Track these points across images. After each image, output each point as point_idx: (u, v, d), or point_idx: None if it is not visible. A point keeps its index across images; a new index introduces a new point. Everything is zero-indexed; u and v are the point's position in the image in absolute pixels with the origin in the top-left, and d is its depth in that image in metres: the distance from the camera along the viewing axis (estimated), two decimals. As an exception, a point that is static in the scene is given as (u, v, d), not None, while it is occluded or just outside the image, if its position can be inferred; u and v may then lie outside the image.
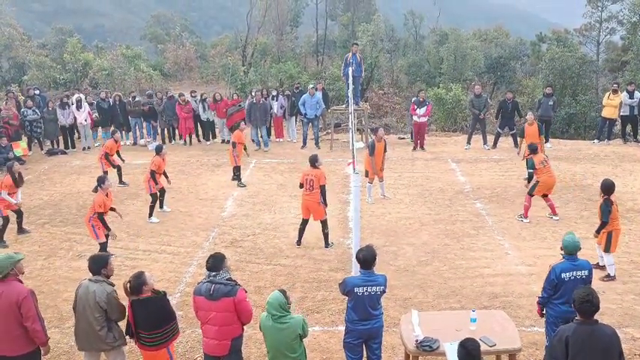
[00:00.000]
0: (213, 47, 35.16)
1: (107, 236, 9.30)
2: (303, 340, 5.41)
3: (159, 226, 10.98)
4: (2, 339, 5.40)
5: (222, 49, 32.12)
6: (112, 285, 5.74)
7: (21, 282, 5.61)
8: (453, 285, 8.44)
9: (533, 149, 10.88)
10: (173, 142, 17.55)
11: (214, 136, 17.80)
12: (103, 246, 9.21)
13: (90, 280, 5.74)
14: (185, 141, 17.37)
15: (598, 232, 8.41)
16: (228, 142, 17.43)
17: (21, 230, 10.76)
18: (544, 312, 6.24)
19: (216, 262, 5.56)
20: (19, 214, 10.76)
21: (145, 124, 17.60)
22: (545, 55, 27.52)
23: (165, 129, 17.49)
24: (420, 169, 14.40)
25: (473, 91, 17.02)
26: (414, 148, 16.22)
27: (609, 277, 8.36)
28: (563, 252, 6.15)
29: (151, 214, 11.31)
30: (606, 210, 8.20)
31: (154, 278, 6.04)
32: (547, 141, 15.71)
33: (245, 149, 13.74)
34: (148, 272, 5.66)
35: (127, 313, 5.57)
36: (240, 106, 17.15)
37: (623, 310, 7.59)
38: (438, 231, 10.44)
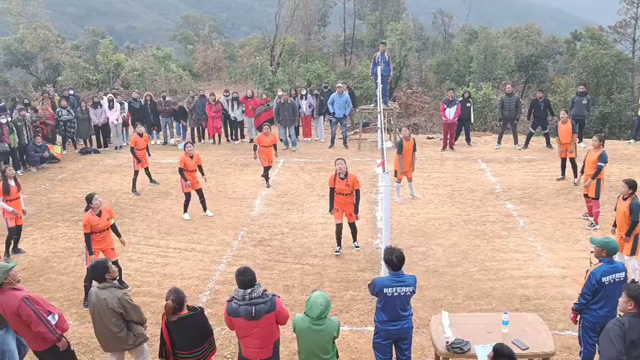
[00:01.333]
0: (242, 47, 35.41)
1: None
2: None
3: (189, 225, 11.11)
4: (26, 338, 5.75)
5: (251, 50, 32.32)
6: (121, 287, 5.79)
7: (18, 289, 5.59)
8: (484, 287, 8.32)
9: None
10: (202, 141, 17.74)
11: (242, 136, 17.93)
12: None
13: (98, 287, 5.76)
14: (214, 140, 17.54)
15: (629, 234, 7.89)
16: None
17: (16, 250, 9.90)
18: (579, 319, 6.08)
19: (250, 278, 5.30)
20: (19, 231, 9.91)
21: (175, 124, 17.84)
22: (579, 53, 26.97)
23: (195, 128, 17.70)
24: (450, 169, 14.24)
25: (504, 89, 16.74)
26: (444, 148, 16.05)
27: (634, 283, 8.06)
28: (595, 255, 5.95)
29: (185, 210, 11.45)
30: (637, 207, 7.78)
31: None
32: (580, 141, 15.36)
33: (275, 149, 13.33)
34: (180, 288, 5.49)
35: (162, 334, 5.36)
36: (268, 105, 17.23)
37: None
38: (468, 232, 10.31)
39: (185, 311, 5.32)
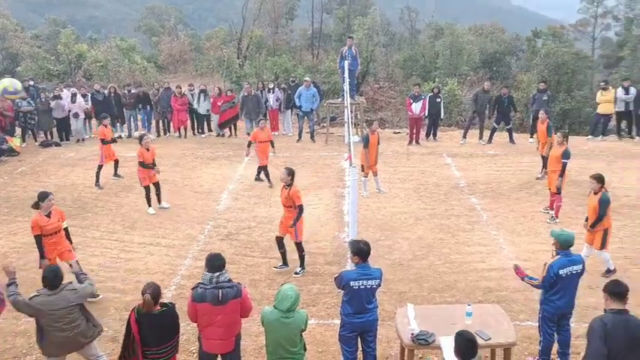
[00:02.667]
0: (208, 40, 34.98)
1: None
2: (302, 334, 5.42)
3: (154, 219, 10.95)
4: None
5: (217, 42, 31.94)
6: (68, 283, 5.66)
7: None
8: (448, 279, 8.46)
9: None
10: (168, 134, 17.49)
11: (210, 129, 17.74)
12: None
13: (48, 295, 5.50)
14: (179, 134, 17.31)
15: (593, 226, 8.18)
16: (223, 135, 17.47)
17: None
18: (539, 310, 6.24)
19: (221, 263, 5.35)
20: None
21: (140, 117, 17.52)
22: (541, 50, 27.59)
23: (160, 121, 17.42)
24: (416, 163, 14.41)
25: (482, 86, 16.98)
26: (410, 143, 16.22)
27: (610, 272, 8.33)
28: (555, 247, 6.12)
29: (149, 205, 11.27)
30: (607, 202, 8.04)
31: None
32: (532, 136, 15.83)
33: (272, 145, 12.62)
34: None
35: (129, 331, 5.24)
36: (233, 102, 17.10)
37: (616, 305, 7.63)
38: (433, 225, 10.46)
39: (158, 307, 5.24)
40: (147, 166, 10.97)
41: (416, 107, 15.91)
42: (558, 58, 25.38)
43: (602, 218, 8.11)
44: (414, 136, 16.24)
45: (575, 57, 26.56)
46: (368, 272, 5.68)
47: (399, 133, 18.08)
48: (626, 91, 15.96)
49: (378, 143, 11.97)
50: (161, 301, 5.32)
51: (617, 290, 4.84)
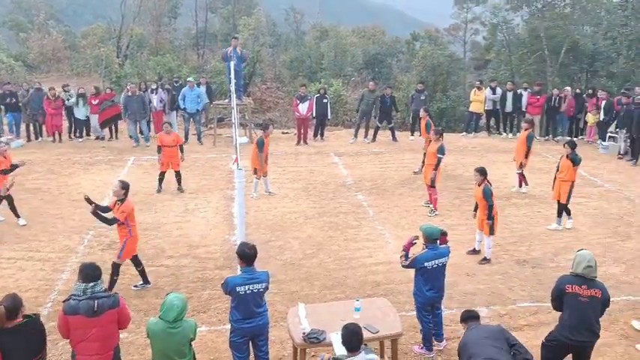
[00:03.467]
0: (84, 37, 32.97)
1: None
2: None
3: (25, 231, 10.08)
4: None
5: (95, 40, 30.19)
6: None
7: None
8: (338, 276, 8.65)
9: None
10: (40, 139, 16.22)
11: (88, 133, 16.70)
12: None
13: None
14: (53, 138, 16.12)
15: (490, 218, 8.75)
16: (102, 138, 16.53)
17: None
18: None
19: (96, 273, 5.08)
20: None
21: (5, 120, 16.06)
22: (418, 52, 29.14)
23: (31, 125, 16.10)
24: (304, 163, 14.60)
25: (367, 86, 17.52)
26: (298, 143, 16.39)
27: (485, 260, 9.02)
28: (424, 241, 6.50)
29: (16, 216, 10.33)
30: (489, 192, 8.72)
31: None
32: (412, 134, 16.80)
33: (181, 150, 12.05)
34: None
35: None
36: (112, 101, 16.26)
37: (490, 290, 8.25)
38: (323, 224, 10.65)
39: (20, 319, 4.81)
40: (6, 172, 10.08)
41: (303, 108, 16.12)
42: (434, 60, 26.96)
43: (491, 208, 8.75)
44: (302, 136, 16.44)
45: (449, 59, 28.39)
46: (254, 276, 5.61)
47: (287, 133, 18.21)
48: (493, 91, 17.33)
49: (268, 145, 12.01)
50: (25, 313, 4.89)
51: (467, 315, 5.59)
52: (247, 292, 5.55)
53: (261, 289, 5.66)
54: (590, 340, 5.58)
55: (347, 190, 12.52)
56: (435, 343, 6.76)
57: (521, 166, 12.00)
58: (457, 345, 5.78)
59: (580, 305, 5.46)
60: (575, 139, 15.05)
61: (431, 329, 6.66)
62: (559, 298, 5.62)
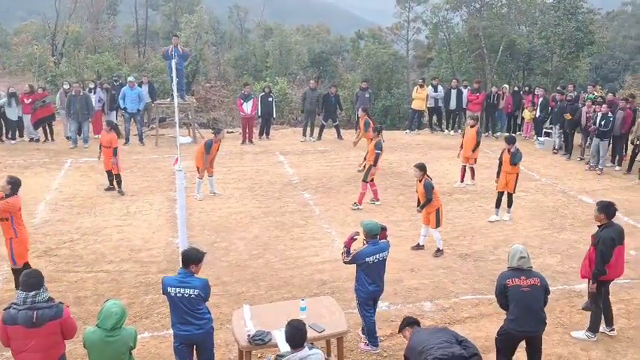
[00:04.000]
0: (17, 35, 31.57)
1: None
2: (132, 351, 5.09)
3: (-48, 240, 9.51)
4: None
5: (28, 37, 28.97)
6: None
7: None
8: (284, 275, 8.60)
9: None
10: (-32, 142, 15.37)
11: (21, 135, 15.94)
12: None
13: None
14: (-17, 141, 15.32)
15: (422, 207, 9.12)
16: (37, 140, 15.84)
17: None
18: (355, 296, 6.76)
19: (37, 281, 4.85)
20: None
21: None
22: (363, 51, 29.46)
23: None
24: (249, 162, 14.46)
25: (309, 84, 17.52)
26: (243, 142, 16.22)
27: (439, 252, 9.23)
28: (364, 237, 6.59)
29: None
30: (430, 186, 8.98)
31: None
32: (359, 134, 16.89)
33: (114, 153, 11.57)
34: None
35: None
36: (44, 101, 15.59)
37: (434, 284, 8.41)
38: (269, 223, 10.57)
39: None
40: None
41: (247, 107, 15.96)
42: (378, 58, 27.32)
43: (429, 202, 9.03)
44: (247, 135, 16.28)
45: (393, 57, 28.84)
46: (187, 280, 5.40)
47: (232, 132, 17.98)
48: (435, 88, 17.70)
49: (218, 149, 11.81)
50: None
51: (410, 321, 5.67)
52: (178, 295, 5.35)
53: (193, 296, 5.37)
54: (538, 328, 5.80)
55: (293, 189, 12.48)
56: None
57: (474, 160, 12.49)
58: (402, 338, 5.88)
59: (523, 295, 5.66)
60: (513, 134, 15.56)
61: (374, 324, 6.71)
62: (503, 295, 5.80)
